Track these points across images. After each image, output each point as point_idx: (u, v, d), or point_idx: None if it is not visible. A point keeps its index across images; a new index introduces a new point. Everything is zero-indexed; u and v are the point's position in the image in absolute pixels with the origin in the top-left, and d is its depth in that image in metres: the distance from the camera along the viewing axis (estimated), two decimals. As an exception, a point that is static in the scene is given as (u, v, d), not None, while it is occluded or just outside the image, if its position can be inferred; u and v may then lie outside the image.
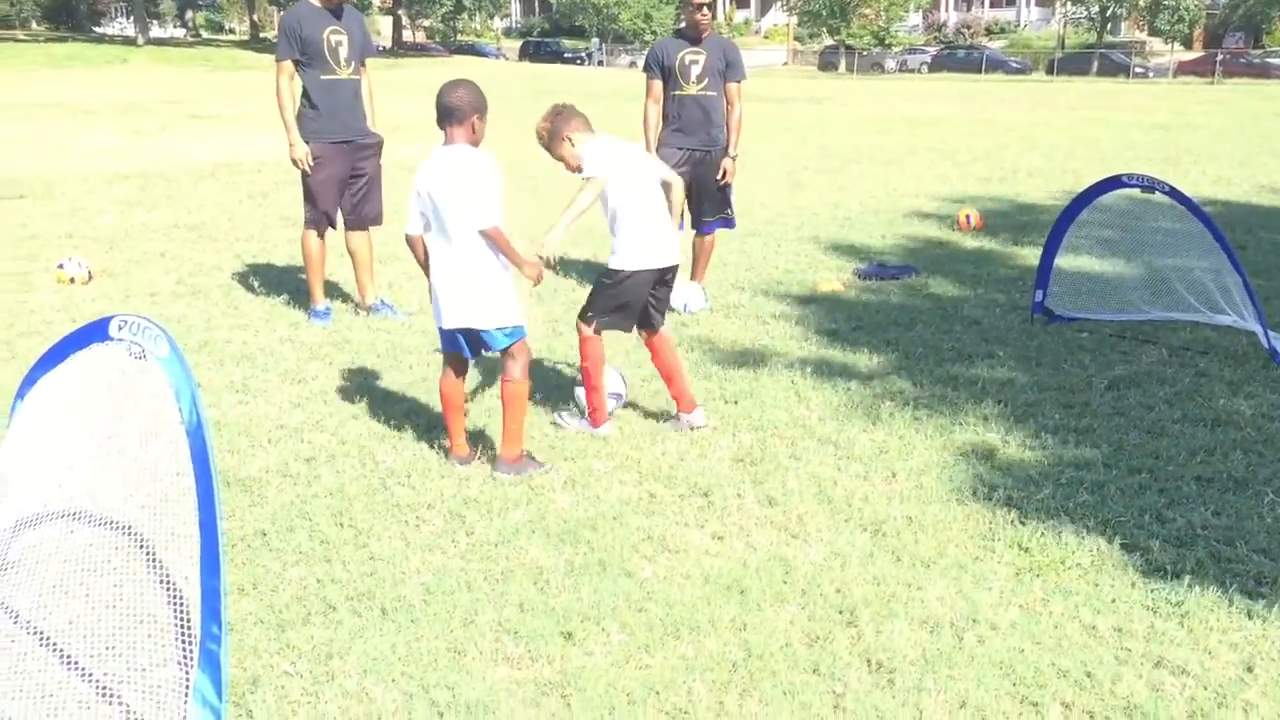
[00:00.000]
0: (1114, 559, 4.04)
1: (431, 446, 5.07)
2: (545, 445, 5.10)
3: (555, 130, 5.05)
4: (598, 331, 5.19)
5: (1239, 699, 3.23)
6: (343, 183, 7.17)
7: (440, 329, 4.78)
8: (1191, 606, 3.70)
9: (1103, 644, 3.52)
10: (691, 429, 5.27)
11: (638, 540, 4.21)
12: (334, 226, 7.31)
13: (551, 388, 5.91)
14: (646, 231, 5.12)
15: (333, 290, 7.86)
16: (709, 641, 3.53)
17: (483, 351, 4.85)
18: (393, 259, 9.06)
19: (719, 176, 7.47)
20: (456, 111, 4.58)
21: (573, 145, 5.05)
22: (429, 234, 4.66)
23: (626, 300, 5.18)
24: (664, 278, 5.28)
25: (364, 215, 7.33)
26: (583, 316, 5.22)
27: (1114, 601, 3.75)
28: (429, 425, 5.33)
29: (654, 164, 5.40)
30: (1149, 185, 6.64)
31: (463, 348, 4.79)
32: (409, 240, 4.72)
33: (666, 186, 5.26)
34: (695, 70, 7.40)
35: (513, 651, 3.47)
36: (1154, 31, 65.41)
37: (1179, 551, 4.08)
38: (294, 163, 7.12)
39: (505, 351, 4.73)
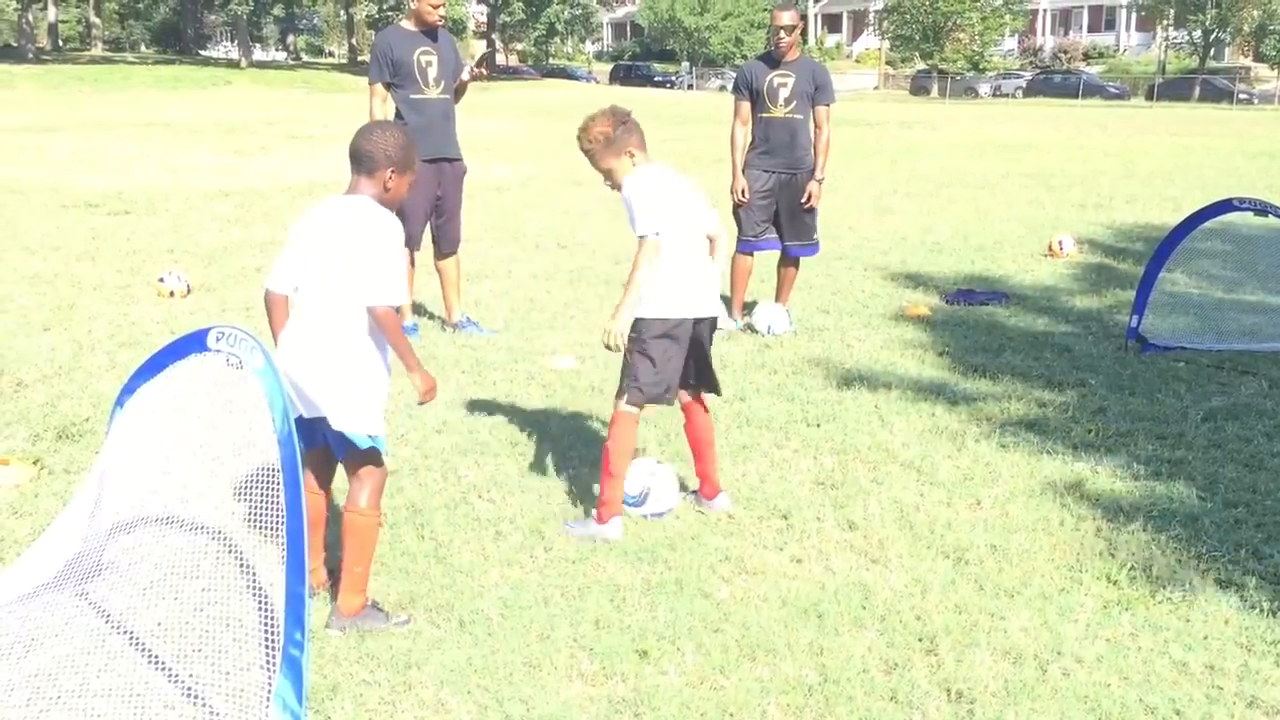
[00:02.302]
0: (1207, 594, 3.92)
1: (514, 462, 5.12)
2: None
3: (618, 141, 4.30)
4: (639, 404, 4.36)
5: (1338, 744, 3.10)
6: (431, 202, 7.29)
7: (296, 419, 3.27)
8: (1289, 646, 3.57)
9: (1193, 681, 3.41)
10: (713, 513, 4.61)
11: (715, 561, 4.20)
12: (418, 247, 7.44)
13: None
14: (688, 278, 4.34)
15: (419, 308, 7.99)
16: (785, 665, 3.49)
17: (341, 459, 3.74)
18: (480, 276, 9.19)
19: (804, 200, 7.44)
20: (367, 160, 3.65)
21: (633, 162, 4.34)
22: (295, 295, 3.65)
23: (668, 356, 4.34)
24: (703, 334, 4.51)
25: (450, 237, 7.44)
26: (619, 394, 4.41)
27: (1206, 638, 3.64)
28: (511, 441, 5.38)
29: (704, 211, 4.52)
30: (1263, 209, 6.45)
31: (330, 443, 3.68)
32: (269, 298, 3.69)
33: (711, 240, 4.55)
34: (784, 93, 7.40)
35: (587, 668, 3.48)
36: (1259, 57, 63.66)
37: (1276, 589, 3.94)
38: None
39: (356, 470, 3.67)
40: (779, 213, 7.56)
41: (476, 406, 5.93)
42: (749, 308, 7.74)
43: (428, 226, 7.39)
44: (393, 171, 3.67)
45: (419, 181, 7.22)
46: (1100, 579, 4.04)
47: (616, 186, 4.39)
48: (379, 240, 3.57)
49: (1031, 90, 60.76)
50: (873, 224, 12.59)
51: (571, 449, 5.31)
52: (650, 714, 3.24)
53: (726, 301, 7.81)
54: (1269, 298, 7.68)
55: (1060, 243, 10.53)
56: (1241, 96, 54.41)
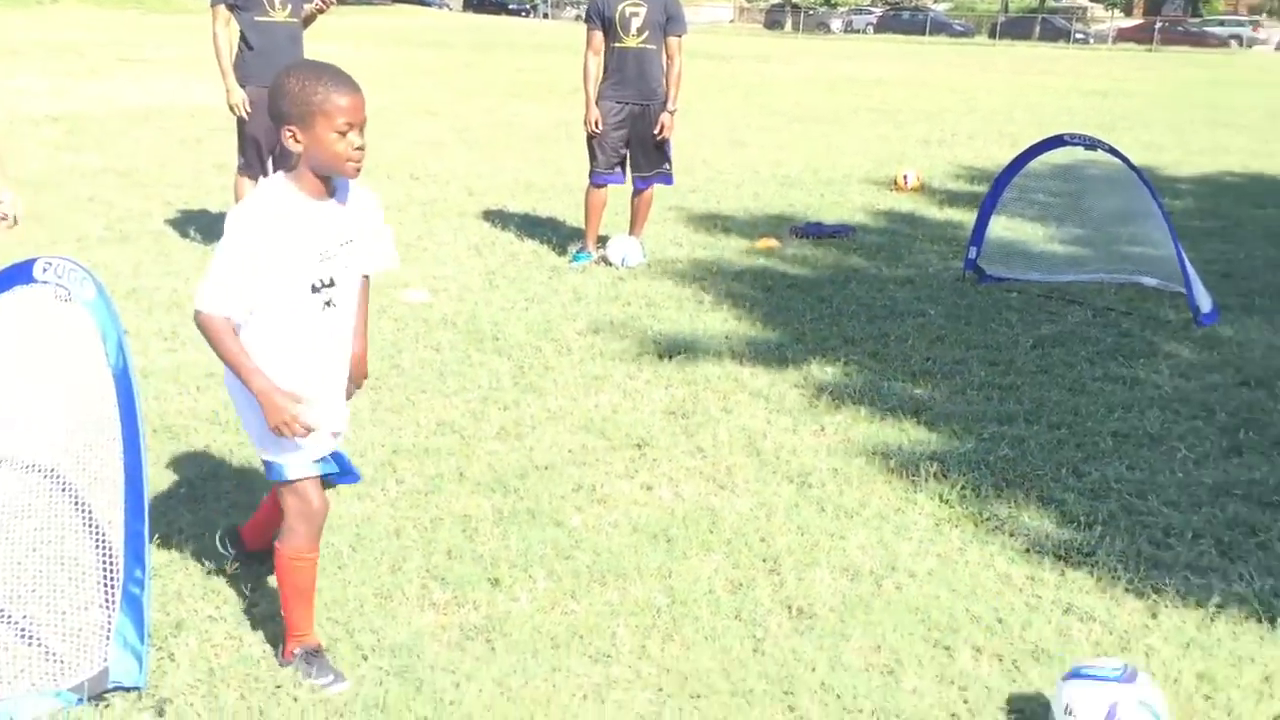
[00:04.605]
0: (1030, 511, 4.16)
1: (364, 395, 5.06)
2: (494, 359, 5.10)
3: None
4: None
5: (1142, 643, 3.35)
6: (275, 131, 7.05)
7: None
8: (1102, 556, 3.83)
9: (1015, 591, 3.63)
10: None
11: (568, 490, 4.26)
12: (265, 174, 7.21)
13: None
14: None
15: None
16: (634, 588, 3.58)
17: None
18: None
19: (656, 131, 7.46)
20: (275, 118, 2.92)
21: None
22: None
23: None
24: None
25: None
26: None
27: (1028, 551, 3.87)
28: (361, 375, 5.31)
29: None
30: (1091, 144, 6.75)
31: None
32: None
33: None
34: (636, 23, 7.36)
35: (439, 597, 3.50)
36: (1095, -3, 66.00)
37: (1093, 504, 4.21)
38: (230, 109, 7.01)
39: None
40: (632, 144, 7.57)
41: (325, 340, 5.82)
42: (603, 240, 7.76)
43: (271, 158, 7.17)
44: (293, 127, 2.86)
45: (264, 108, 6.99)
46: (934, 498, 4.24)
47: None
48: (226, 232, 2.89)
49: (882, 27, 61.77)
50: (726, 157, 12.71)
51: (424, 381, 5.28)
52: (501, 640, 3.29)
53: (580, 234, 7.83)
54: (1096, 231, 8.07)
55: (905, 177, 10.82)
56: (1078, 36, 56.40)
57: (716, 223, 9.07)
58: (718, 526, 4.00)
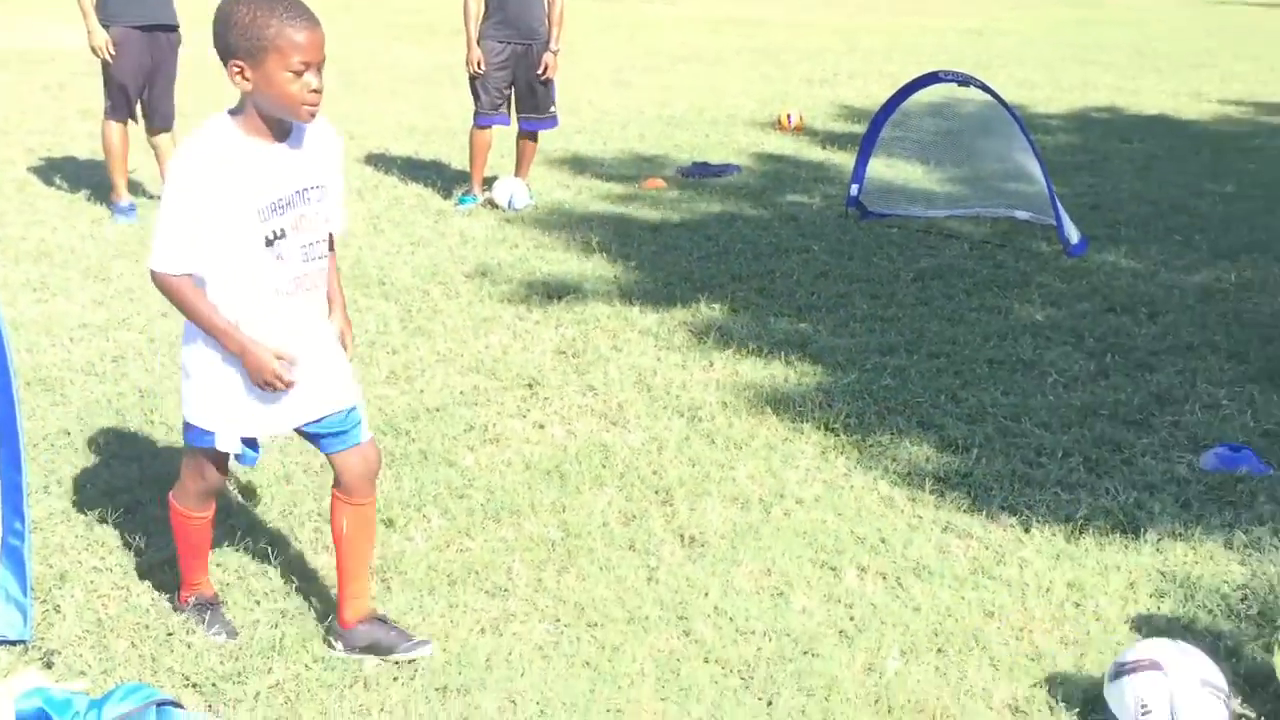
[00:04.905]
0: (911, 436, 4.30)
1: (247, 343, 4.97)
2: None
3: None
4: None
5: (1015, 556, 3.52)
6: (147, 73, 6.81)
7: None
8: (978, 476, 3.99)
9: (897, 513, 3.77)
10: None
11: (460, 431, 4.26)
12: (134, 119, 6.95)
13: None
14: None
15: (136, 187, 7.50)
16: (528, 524, 3.62)
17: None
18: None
19: (540, 71, 7.39)
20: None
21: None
22: None
23: None
24: None
25: (163, 112, 6.98)
26: None
27: (909, 474, 4.01)
28: (244, 322, 5.21)
29: None
30: (964, 80, 6.91)
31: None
32: None
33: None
34: (519, -38, 7.26)
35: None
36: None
37: (970, 428, 4.37)
38: (94, 51, 6.72)
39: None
40: (516, 85, 7.49)
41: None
42: (489, 182, 7.69)
43: (140, 102, 6.91)
44: (239, 61, 2.55)
45: (130, 49, 6.74)
46: (819, 428, 4.35)
47: None
48: (170, 177, 2.65)
49: (764, -33, 61.83)
50: (611, 98, 12.64)
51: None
52: (398, 578, 3.30)
53: (466, 177, 7.74)
54: (971, 167, 8.27)
55: (789, 116, 10.91)
56: (956, -22, 57.21)
57: (603, 164, 9.05)
58: (610, 461, 4.05)
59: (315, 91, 2.59)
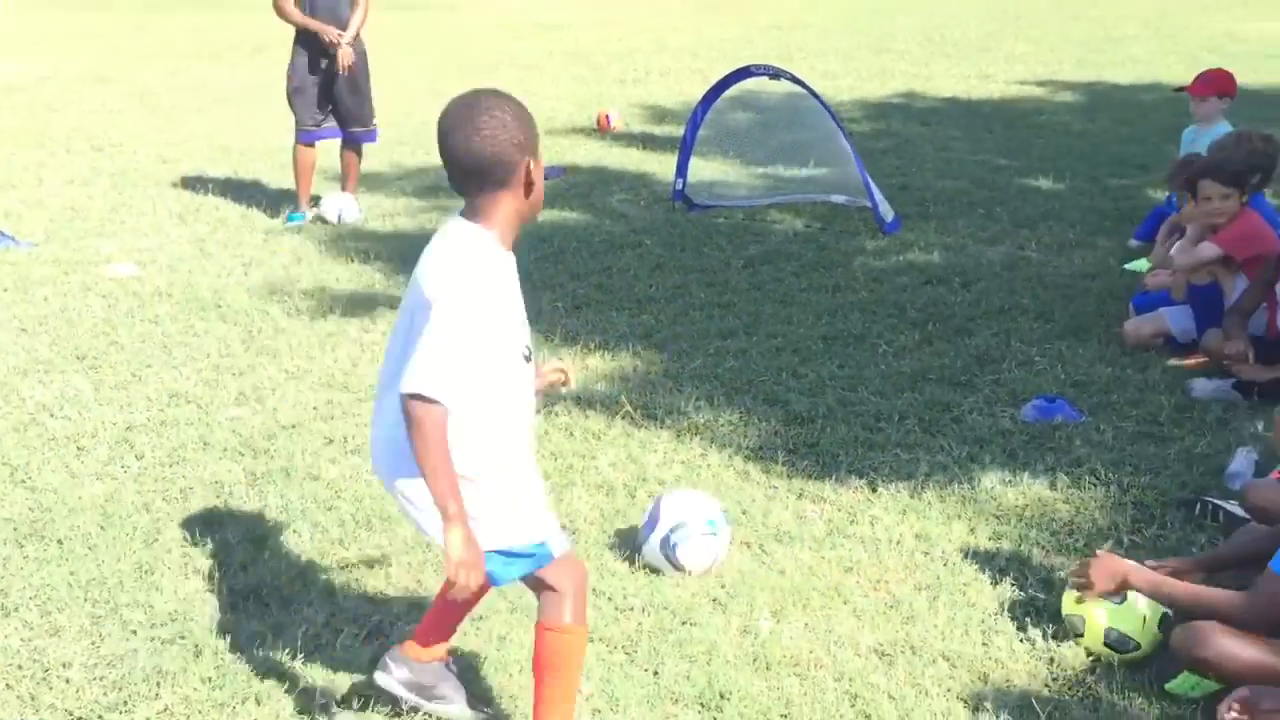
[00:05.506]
0: (758, 412, 4.52)
1: (84, 376, 4.83)
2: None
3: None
4: None
5: (866, 515, 3.76)
6: None
7: None
8: (825, 445, 4.23)
9: (754, 485, 3.97)
10: None
11: (320, 445, 4.26)
12: None
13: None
14: None
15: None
16: (401, 529, 3.66)
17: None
18: (4, 186, 8.32)
19: (340, 69, 7.23)
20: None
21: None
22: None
23: None
24: None
25: None
26: None
27: (761, 448, 4.22)
28: (78, 355, 5.06)
29: None
30: (776, 73, 7.22)
31: None
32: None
33: None
34: (324, -28, 7.21)
35: (202, 564, 3.47)
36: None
37: (812, 400, 4.62)
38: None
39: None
40: (334, 98, 7.43)
41: (31, 325, 5.48)
42: (315, 199, 7.60)
43: None
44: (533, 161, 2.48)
45: None
46: (672, 413, 4.53)
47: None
48: (443, 285, 2.44)
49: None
50: (429, 107, 12.55)
51: (148, 355, 5.08)
52: (275, 595, 3.30)
53: (291, 195, 7.64)
54: (786, 156, 8.62)
55: (607, 116, 11.11)
56: (751, -25, 58.79)
57: (429, 173, 9.03)
58: (473, 462, 4.12)
59: None
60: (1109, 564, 3.04)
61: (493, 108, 2.42)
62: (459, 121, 2.41)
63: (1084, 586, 3.04)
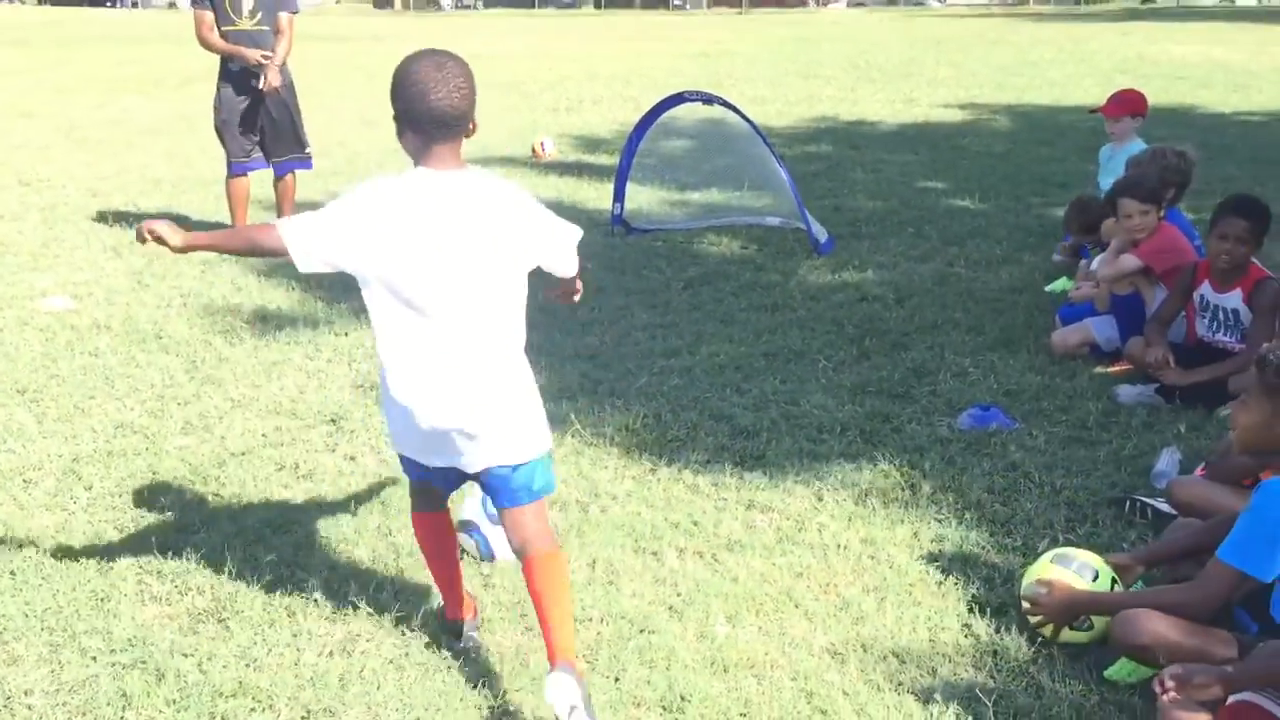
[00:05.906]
0: (705, 427, 4.62)
1: (27, 409, 4.79)
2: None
3: None
4: None
5: (814, 522, 3.87)
6: None
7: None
8: (771, 457, 4.34)
9: (704, 497, 4.07)
10: None
11: (271, 471, 4.28)
12: None
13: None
14: None
15: None
16: (358, 550, 3.70)
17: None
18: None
19: (262, 86, 7.25)
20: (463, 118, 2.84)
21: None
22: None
23: None
24: None
25: None
26: None
27: (709, 462, 4.32)
28: (19, 389, 5.02)
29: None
30: (708, 99, 7.39)
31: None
32: None
33: None
34: (248, 5, 7.24)
35: (159, 590, 3.47)
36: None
37: (757, 415, 4.73)
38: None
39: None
40: (261, 128, 7.46)
41: (-33, 359, 5.42)
42: (253, 229, 7.59)
43: None
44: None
45: None
46: (620, 430, 4.61)
47: None
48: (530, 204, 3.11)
49: (491, 1, 62.43)
50: (360, 137, 12.61)
51: (90, 387, 5.05)
52: (235, 618, 3.32)
53: (226, 227, 7.61)
54: (723, 180, 8.79)
55: (542, 144, 11.23)
56: (675, 3, 59.48)
57: (365, 202, 9.06)
58: (427, 483, 4.16)
59: None
60: (1062, 598, 3.11)
61: (457, 66, 2.82)
62: (437, 82, 2.77)
63: (1042, 624, 3.16)
